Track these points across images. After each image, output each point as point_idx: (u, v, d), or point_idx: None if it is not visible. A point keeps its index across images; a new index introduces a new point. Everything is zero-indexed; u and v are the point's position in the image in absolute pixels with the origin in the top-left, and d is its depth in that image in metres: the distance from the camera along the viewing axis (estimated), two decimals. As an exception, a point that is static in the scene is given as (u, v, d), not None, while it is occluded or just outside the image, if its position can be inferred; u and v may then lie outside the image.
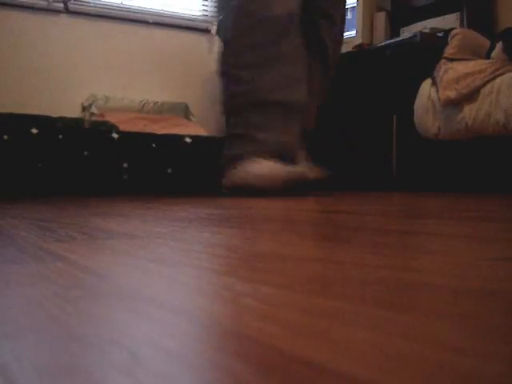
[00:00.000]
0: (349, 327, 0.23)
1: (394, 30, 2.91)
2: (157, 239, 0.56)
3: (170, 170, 2.35)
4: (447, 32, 2.41)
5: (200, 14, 3.42)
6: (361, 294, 0.29)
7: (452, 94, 2.21)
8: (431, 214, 0.95)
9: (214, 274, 0.36)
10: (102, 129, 2.48)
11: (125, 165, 2.25)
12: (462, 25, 2.64)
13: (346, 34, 2.92)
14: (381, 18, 2.94)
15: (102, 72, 3.10)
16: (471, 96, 2.16)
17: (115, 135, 2.28)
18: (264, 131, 1.81)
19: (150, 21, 3.24)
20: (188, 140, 2.43)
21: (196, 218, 0.84)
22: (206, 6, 3.43)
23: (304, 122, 1.94)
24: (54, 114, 2.74)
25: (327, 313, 0.25)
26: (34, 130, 2.11)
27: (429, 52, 2.41)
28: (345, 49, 2.83)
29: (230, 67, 1.86)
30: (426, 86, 2.36)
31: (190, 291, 0.31)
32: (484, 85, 2.14)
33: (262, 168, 1.73)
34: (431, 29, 2.56)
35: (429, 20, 2.72)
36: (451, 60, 2.31)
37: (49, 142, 2.13)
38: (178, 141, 2.41)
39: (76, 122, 2.69)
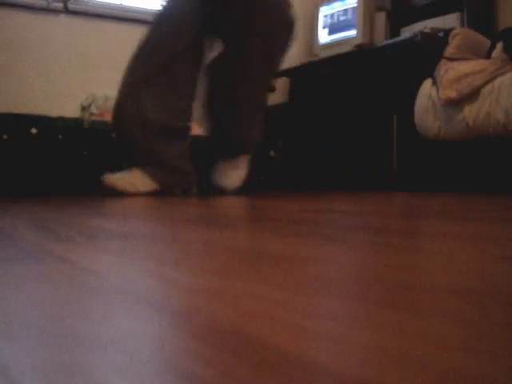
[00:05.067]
0: (349, 327, 0.23)
1: (394, 30, 2.91)
2: (157, 239, 0.56)
3: (169, 170, 2.35)
4: (447, 32, 2.41)
5: (200, 13, 3.42)
6: (361, 294, 0.29)
7: (452, 93, 2.21)
8: (432, 214, 0.95)
9: (213, 274, 0.36)
10: (101, 129, 2.48)
11: (125, 165, 2.25)
12: (462, 25, 2.64)
13: (347, 34, 2.92)
14: (381, 18, 2.94)
15: (102, 72, 3.10)
16: (472, 96, 2.16)
17: (115, 135, 2.27)
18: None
19: (150, 21, 3.24)
20: (188, 140, 2.42)
21: (196, 218, 0.84)
22: (206, 5, 3.43)
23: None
24: (54, 114, 2.74)
25: (327, 313, 0.25)
26: (34, 130, 2.11)
27: (429, 52, 2.41)
28: (345, 49, 2.83)
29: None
30: (426, 86, 2.36)
31: (189, 291, 0.31)
32: (484, 85, 2.14)
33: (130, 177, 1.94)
34: (431, 29, 2.56)
35: (429, 20, 2.72)
36: (451, 60, 2.31)
37: (48, 141, 2.12)
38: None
39: (75, 122, 2.68)
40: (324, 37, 3.05)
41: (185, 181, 2.02)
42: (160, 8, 2.10)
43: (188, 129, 2.13)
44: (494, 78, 2.13)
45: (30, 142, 2.09)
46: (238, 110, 2.08)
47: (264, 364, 0.18)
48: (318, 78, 2.91)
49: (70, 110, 2.93)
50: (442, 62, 2.33)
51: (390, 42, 2.67)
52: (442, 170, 2.40)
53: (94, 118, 2.88)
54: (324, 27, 3.05)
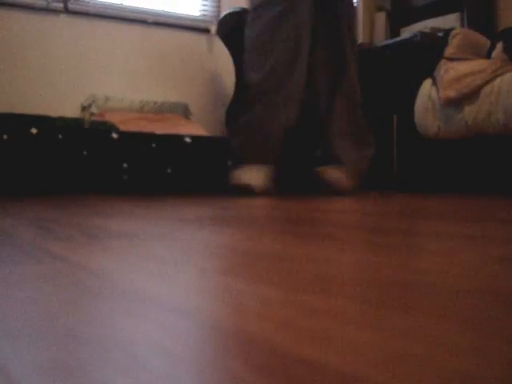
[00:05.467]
0: (349, 327, 0.23)
1: (393, 30, 2.91)
2: (157, 239, 0.56)
3: (169, 170, 2.35)
4: (447, 32, 2.41)
5: (200, 13, 3.42)
6: (361, 294, 0.29)
7: (452, 93, 2.21)
8: (431, 214, 0.95)
9: (214, 274, 0.36)
10: (101, 129, 2.48)
11: (125, 165, 2.25)
12: (462, 25, 2.64)
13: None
14: (381, 18, 2.94)
15: (102, 72, 3.10)
16: (471, 96, 2.16)
17: (115, 135, 2.28)
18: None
19: (150, 21, 3.24)
20: (188, 140, 2.43)
21: (196, 218, 0.84)
22: (206, 5, 3.43)
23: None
24: (54, 114, 2.74)
25: (327, 313, 0.25)
26: (34, 130, 2.11)
27: (429, 52, 2.41)
28: (345, 49, 2.82)
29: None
30: (426, 86, 2.36)
31: (190, 291, 0.31)
32: (484, 84, 2.14)
33: (249, 175, 1.98)
34: (431, 29, 2.56)
35: (429, 20, 2.72)
36: (451, 60, 2.31)
37: (48, 141, 2.13)
38: (178, 141, 2.41)
39: (76, 122, 2.69)
40: (324, 37, 3.05)
41: None
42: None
43: None
44: (494, 78, 2.13)
45: (30, 142, 2.09)
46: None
47: (264, 364, 0.18)
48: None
49: (71, 110, 2.93)
50: (442, 61, 2.33)
51: (389, 42, 2.67)
52: (441, 169, 2.40)
53: (94, 118, 2.88)
54: (324, 27, 3.05)
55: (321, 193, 2.02)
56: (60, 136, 2.15)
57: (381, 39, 2.87)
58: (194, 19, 3.38)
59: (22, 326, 0.24)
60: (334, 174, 2.00)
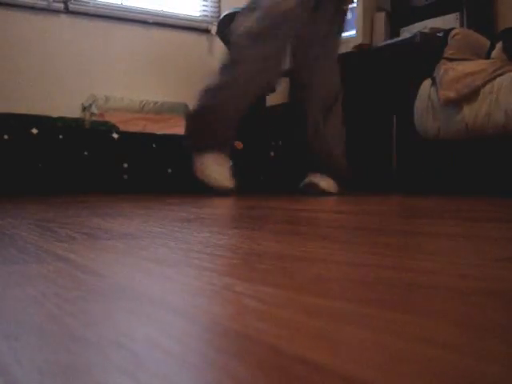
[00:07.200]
0: (349, 327, 0.23)
1: (393, 30, 2.91)
2: (157, 239, 0.56)
3: (170, 170, 2.35)
4: (447, 32, 2.41)
5: (200, 14, 3.42)
6: (361, 294, 0.29)
7: (452, 93, 2.21)
8: (431, 214, 0.95)
9: (214, 274, 0.36)
10: (102, 129, 2.48)
11: (125, 165, 2.25)
12: (461, 25, 2.64)
13: (346, 34, 2.92)
14: (381, 18, 2.94)
15: (102, 72, 3.10)
16: (471, 96, 2.16)
17: (115, 135, 2.28)
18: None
19: (150, 21, 3.24)
20: (188, 140, 2.42)
21: (196, 218, 0.84)
22: (206, 6, 3.43)
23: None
24: (54, 114, 2.74)
25: (327, 313, 0.25)
26: (35, 130, 2.11)
27: (429, 52, 2.41)
28: (345, 49, 2.82)
29: None
30: (426, 86, 2.36)
31: (190, 291, 0.31)
32: (484, 85, 2.14)
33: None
34: (431, 29, 2.56)
35: (429, 20, 2.72)
36: (451, 60, 2.31)
37: (49, 142, 2.13)
38: (178, 141, 2.41)
39: (76, 122, 2.68)
40: (324, 37, 3.05)
41: None
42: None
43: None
44: (494, 78, 2.13)
45: (30, 142, 2.09)
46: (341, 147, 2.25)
47: (264, 364, 0.18)
48: (318, 78, 2.91)
49: (71, 110, 2.93)
50: (442, 62, 2.33)
51: (389, 42, 2.67)
52: (441, 170, 2.40)
53: (94, 118, 2.88)
54: (324, 27, 3.05)
55: (307, 195, 2.06)
56: (60, 136, 2.15)
57: (380, 39, 2.87)
58: (194, 19, 3.38)
59: (22, 326, 0.24)
60: (323, 183, 2.09)
